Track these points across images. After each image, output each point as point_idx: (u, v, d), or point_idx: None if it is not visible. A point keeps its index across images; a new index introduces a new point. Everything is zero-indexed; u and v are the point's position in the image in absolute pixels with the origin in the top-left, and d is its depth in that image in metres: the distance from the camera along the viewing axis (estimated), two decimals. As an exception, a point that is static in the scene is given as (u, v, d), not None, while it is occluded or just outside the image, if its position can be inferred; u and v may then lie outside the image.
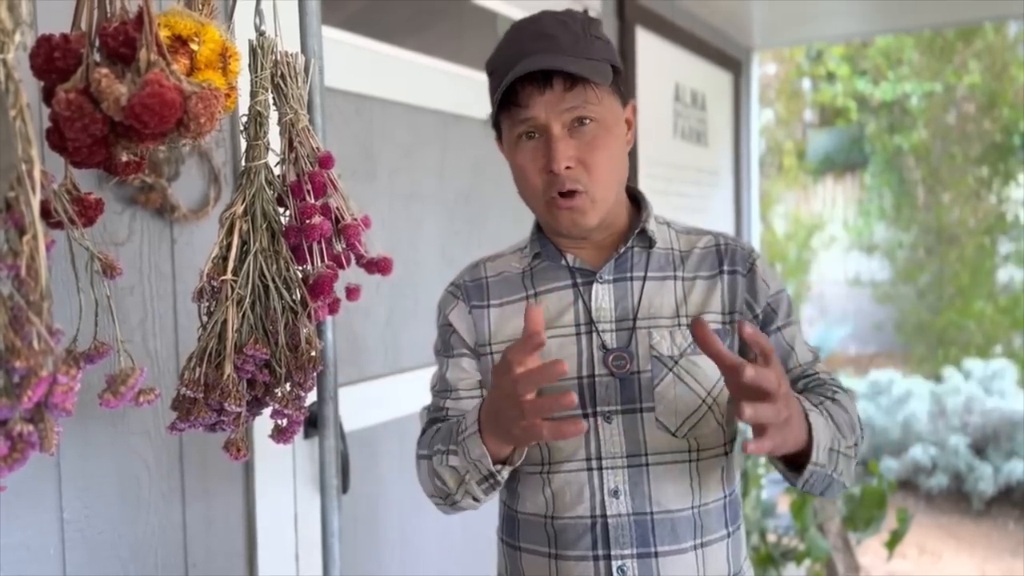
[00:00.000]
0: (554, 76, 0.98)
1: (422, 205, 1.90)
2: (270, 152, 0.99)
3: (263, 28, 1.00)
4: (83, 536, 1.18)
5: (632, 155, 1.11)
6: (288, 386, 0.98)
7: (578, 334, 1.05)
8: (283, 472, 1.52)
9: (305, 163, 1.00)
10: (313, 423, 1.27)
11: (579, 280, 1.08)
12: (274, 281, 0.96)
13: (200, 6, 0.87)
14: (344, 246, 1.02)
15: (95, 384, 0.82)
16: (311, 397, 1.04)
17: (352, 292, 1.05)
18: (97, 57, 0.76)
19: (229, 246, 0.95)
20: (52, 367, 0.63)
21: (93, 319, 0.85)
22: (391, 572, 1.80)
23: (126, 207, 1.24)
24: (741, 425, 1.02)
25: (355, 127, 1.70)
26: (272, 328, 0.96)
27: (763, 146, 7.40)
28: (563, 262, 1.09)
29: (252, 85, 0.98)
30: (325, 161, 1.01)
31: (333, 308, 1.03)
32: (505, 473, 0.99)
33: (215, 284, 0.94)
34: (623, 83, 1.06)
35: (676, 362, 1.03)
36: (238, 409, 0.91)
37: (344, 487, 1.47)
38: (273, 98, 1.00)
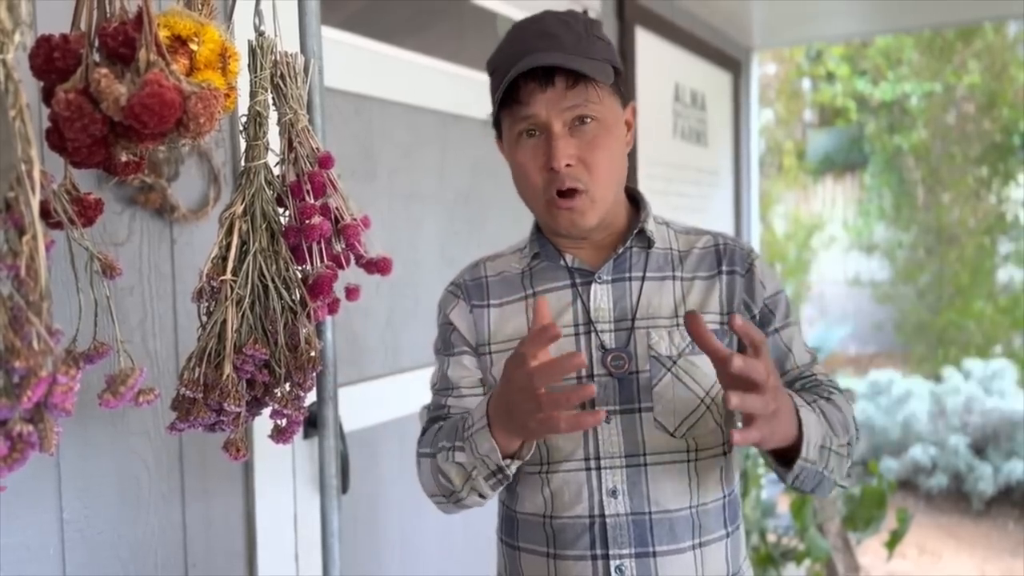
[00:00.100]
0: (556, 74, 0.98)
1: (422, 205, 1.90)
2: (270, 152, 0.99)
3: (262, 28, 1.00)
4: (83, 536, 1.18)
5: (632, 155, 1.11)
6: (288, 386, 0.98)
7: (577, 334, 1.05)
8: (283, 472, 1.52)
9: (305, 163, 1.00)
10: (313, 423, 1.27)
11: (578, 280, 1.08)
12: (273, 281, 0.96)
13: (200, 6, 0.87)
14: (344, 246, 1.02)
15: (95, 384, 0.82)
16: (311, 397, 1.04)
17: (352, 292, 1.05)
18: (97, 57, 0.76)
19: (229, 246, 0.95)
20: (52, 367, 0.63)
21: (93, 319, 0.85)
22: (391, 572, 1.80)
23: (126, 207, 1.24)
24: (740, 425, 1.02)
25: (355, 127, 1.70)
26: (272, 328, 0.96)
27: (763, 146, 7.40)
28: (562, 262, 1.09)
29: (252, 85, 0.98)
30: (325, 161, 1.01)
31: (333, 308, 1.03)
32: (514, 467, 0.98)
33: (214, 284, 0.94)
34: (623, 84, 1.07)
35: (674, 362, 1.03)
36: (237, 409, 0.91)
37: (344, 487, 1.47)
38: (273, 98, 1.00)
